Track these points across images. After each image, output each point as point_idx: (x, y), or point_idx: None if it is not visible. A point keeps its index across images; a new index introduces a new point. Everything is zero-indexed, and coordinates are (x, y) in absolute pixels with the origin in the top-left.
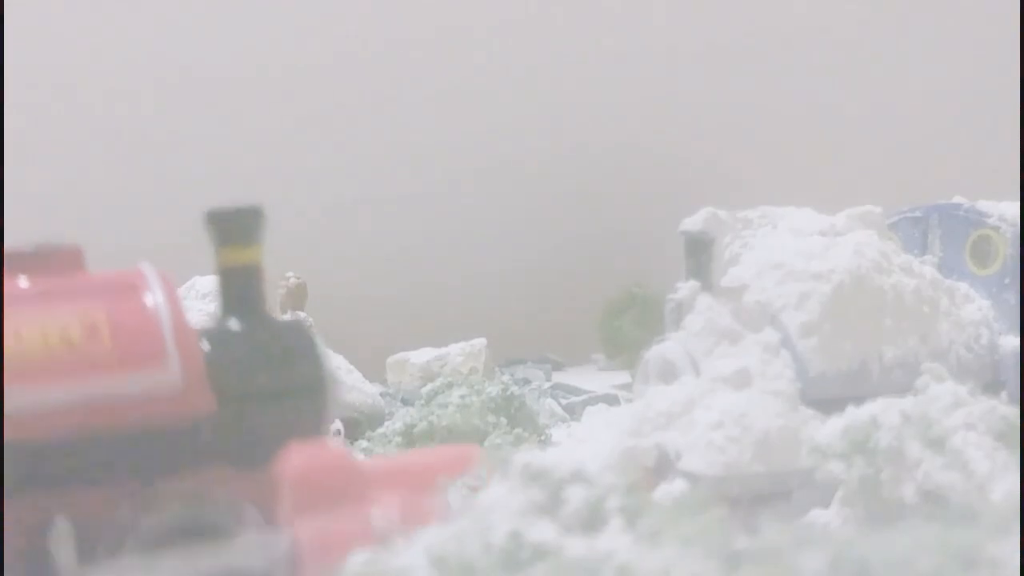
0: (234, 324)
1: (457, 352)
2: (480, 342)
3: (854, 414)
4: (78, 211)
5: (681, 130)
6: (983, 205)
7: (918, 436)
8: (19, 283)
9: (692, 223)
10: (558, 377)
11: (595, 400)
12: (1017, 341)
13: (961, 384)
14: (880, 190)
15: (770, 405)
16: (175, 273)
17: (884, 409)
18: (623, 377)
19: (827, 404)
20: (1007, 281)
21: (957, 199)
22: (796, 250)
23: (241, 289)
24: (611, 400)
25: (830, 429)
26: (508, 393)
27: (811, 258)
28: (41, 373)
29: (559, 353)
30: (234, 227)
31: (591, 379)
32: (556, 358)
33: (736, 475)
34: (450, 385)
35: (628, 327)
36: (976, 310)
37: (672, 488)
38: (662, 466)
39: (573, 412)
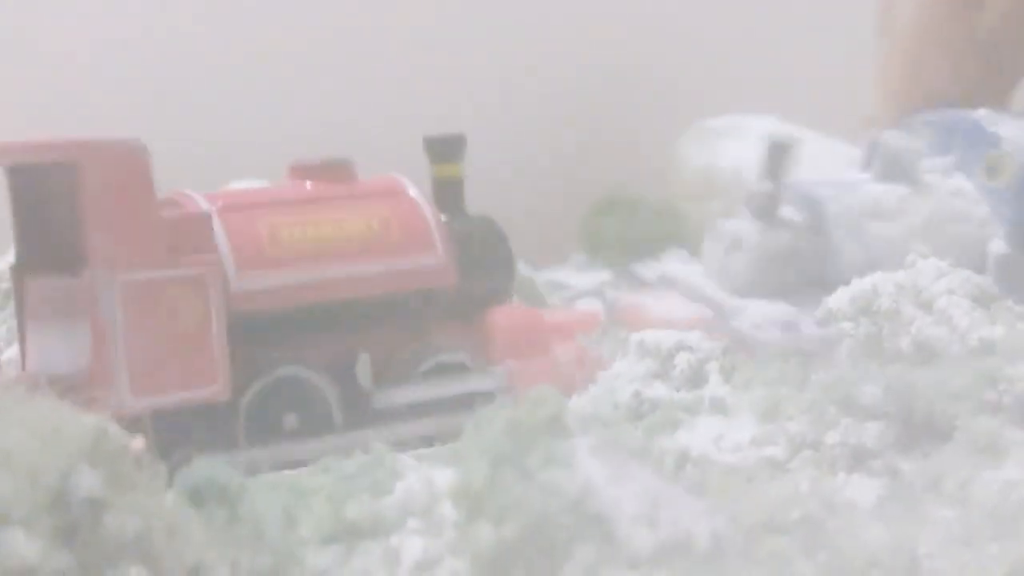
0: (451, 220)
1: None
2: None
3: (858, 284)
4: None
5: (659, 46)
6: (1003, 129)
7: (911, 300)
8: (310, 187)
9: (773, 135)
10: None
11: (583, 294)
12: (1002, 246)
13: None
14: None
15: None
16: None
17: (882, 280)
18: (604, 274)
19: None
20: (1007, 196)
21: (982, 111)
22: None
23: (451, 195)
24: (598, 294)
25: (839, 296)
26: (523, 277)
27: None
28: (359, 252)
29: (538, 253)
30: (445, 150)
31: (574, 276)
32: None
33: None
34: None
35: (610, 227)
36: (977, 214)
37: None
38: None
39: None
